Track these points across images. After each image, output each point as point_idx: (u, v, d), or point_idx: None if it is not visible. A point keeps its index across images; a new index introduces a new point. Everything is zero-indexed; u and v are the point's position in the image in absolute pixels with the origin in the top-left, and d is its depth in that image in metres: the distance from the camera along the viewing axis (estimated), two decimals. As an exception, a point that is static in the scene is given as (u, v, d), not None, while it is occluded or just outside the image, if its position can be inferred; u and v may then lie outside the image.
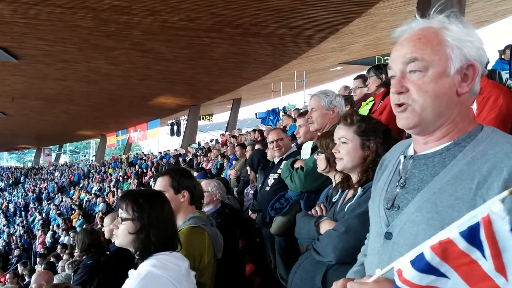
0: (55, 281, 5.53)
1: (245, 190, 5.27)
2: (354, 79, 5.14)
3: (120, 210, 1.85)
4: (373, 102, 3.95)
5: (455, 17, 1.12)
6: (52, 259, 9.05)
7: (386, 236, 1.17)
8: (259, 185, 4.33)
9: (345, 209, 1.93)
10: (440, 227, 0.90)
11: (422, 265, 0.90)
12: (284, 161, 3.59)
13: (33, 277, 5.17)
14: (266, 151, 5.41)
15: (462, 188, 1.04)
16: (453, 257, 0.87)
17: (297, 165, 3.18)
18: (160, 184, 2.45)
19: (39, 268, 8.85)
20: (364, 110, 4.03)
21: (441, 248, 0.88)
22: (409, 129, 1.16)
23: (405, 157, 1.23)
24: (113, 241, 3.93)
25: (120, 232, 1.83)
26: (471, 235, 0.84)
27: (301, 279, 1.96)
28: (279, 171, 3.63)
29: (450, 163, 1.09)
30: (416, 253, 0.91)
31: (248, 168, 5.20)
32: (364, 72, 4.69)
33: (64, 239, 13.57)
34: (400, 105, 1.14)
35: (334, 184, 2.34)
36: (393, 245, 1.15)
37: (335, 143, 2.03)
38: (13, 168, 44.24)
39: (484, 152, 1.05)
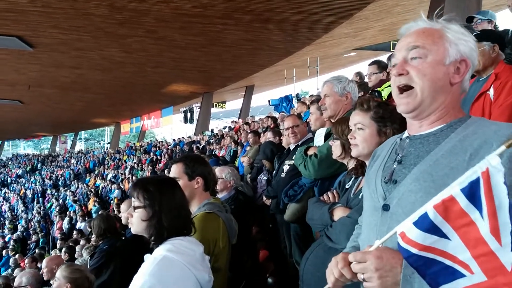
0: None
1: (258, 177, 5.28)
2: (369, 65, 5.07)
3: (132, 199, 1.89)
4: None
5: (456, 21, 1.27)
6: (71, 244, 9.23)
7: (384, 208, 1.23)
8: (275, 172, 4.34)
9: (360, 196, 1.92)
10: (437, 194, 0.95)
11: (425, 224, 0.94)
12: (299, 148, 3.58)
13: (44, 261, 5.27)
14: (275, 141, 5.41)
15: (456, 160, 1.13)
16: (454, 216, 0.91)
17: (310, 152, 3.16)
18: (174, 170, 2.47)
19: (57, 252, 9.04)
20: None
21: (444, 206, 0.92)
22: (408, 113, 1.27)
23: (401, 139, 1.34)
24: (129, 227, 4.00)
25: (134, 220, 1.87)
26: (472, 190, 0.89)
27: (313, 265, 1.97)
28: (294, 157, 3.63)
29: (444, 141, 1.20)
30: (420, 214, 0.95)
31: (263, 161, 5.20)
32: (379, 58, 4.65)
33: (80, 225, 13.83)
34: (401, 88, 1.25)
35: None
36: (391, 216, 1.21)
37: (351, 129, 1.99)
38: (31, 156, 44.96)
39: (474, 131, 1.16)
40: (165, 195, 1.85)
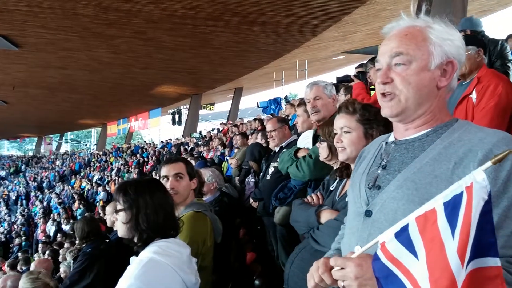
0: (61, 269, 5.58)
1: (246, 179, 5.28)
2: (356, 67, 5.13)
3: (116, 203, 1.87)
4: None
5: (439, 17, 1.23)
6: (55, 247, 9.10)
7: (366, 214, 1.23)
8: (261, 174, 4.34)
9: (346, 199, 1.92)
10: (420, 203, 0.94)
11: (403, 236, 0.92)
12: (284, 150, 3.58)
13: (32, 264, 5.21)
14: (263, 143, 5.43)
15: (440, 168, 1.12)
16: (429, 232, 0.89)
17: (302, 153, 3.16)
18: (176, 168, 2.49)
19: (40, 256, 8.91)
20: None
21: (424, 219, 0.90)
22: (392, 117, 1.26)
23: (386, 143, 1.33)
24: (114, 229, 3.96)
25: (118, 223, 1.87)
26: (454, 205, 0.87)
27: (299, 268, 1.95)
28: (279, 159, 3.63)
29: (429, 147, 1.18)
30: (401, 225, 0.93)
31: (250, 162, 5.20)
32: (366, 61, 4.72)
33: (65, 227, 13.64)
34: (385, 94, 1.23)
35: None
36: (373, 222, 1.20)
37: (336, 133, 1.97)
38: (14, 157, 44.31)
39: (460, 138, 1.15)
40: (142, 196, 1.82)
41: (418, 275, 0.90)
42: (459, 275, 0.84)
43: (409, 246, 0.91)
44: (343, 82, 4.76)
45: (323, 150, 2.43)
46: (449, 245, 0.86)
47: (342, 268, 1.05)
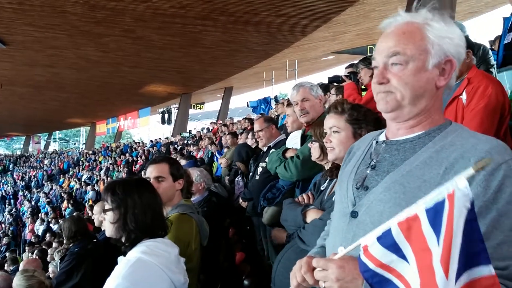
0: (50, 269, 5.53)
1: (236, 179, 5.27)
2: (346, 68, 5.14)
3: (104, 202, 1.86)
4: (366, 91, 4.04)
5: (439, 13, 1.18)
6: (44, 247, 9.01)
7: (352, 215, 1.21)
8: (250, 174, 4.34)
9: (333, 199, 1.92)
10: (406, 206, 0.92)
11: (388, 240, 0.91)
12: (273, 150, 3.59)
13: (21, 264, 5.16)
14: (253, 143, 5.44)
15: (430, 172, 1.10)
16: (415, 237, 0.88)
17: (290, 154, 3.17)
18: (159, 170, 2.43)
19: (28, 256, 8.81)
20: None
21: (408, 225, 0.88)
22: (388, 112, 1.22)
23: (377, 142, 1.30)
24: (102, 229, 3.93)
25: (105, 223, 1.85)
26: (436, 212, 0.85)
27: (285, 268, 1.94)
28: (267, 159, 3.64)
29: (420, 149, 1.16)
30: (384, 229, 0.92)
31: (238, 163, 5.19)
32: (356, 61, 4.74)
33: (54, 227, 13.51)
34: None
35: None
36: (358, 224, 1.19)
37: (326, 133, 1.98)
38: (2, 156, 43.71)
39: (452, 143, 1.12)
40: (130, 196, 1.81)
41: (411, 279, 0.89)
42: (444, 285, 0.82)
43: (397, 250, 0.90)
44: (334, 82, 4.77)
45: (315, 150, 2.44)
46: (436, 252, 0.85)
47: (324, 269, 1.05)
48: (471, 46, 3.17)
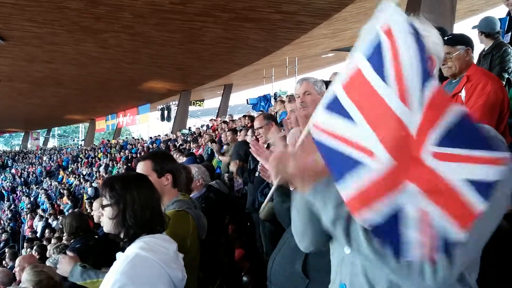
0: (47, 264, 5.51)
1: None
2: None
3: (102, 198, 1.85)
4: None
5: (414, 15, 1.21)
6: (44, 243, 9.00)
7: None
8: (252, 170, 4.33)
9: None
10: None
11: (335, 105, 0.90)
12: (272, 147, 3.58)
13: (17, 260, 5.14)
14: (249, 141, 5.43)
15: None
16: (356, 90, 0.86)
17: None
18: (142, 168, 2.38)
19: (27, 252, 8.80)
20: None
21: (351, 82, 0.88)
22: None
23: None
24: (102, 226, 3.92)
25: (103, 219, 1.84)
26: (376, 54, 0.84)
27: (280, 265, 1.93)
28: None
29: None
30: (329, 97, 0.92)
31: (231, 163, 5.18)
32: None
33: (52, 223, 13.50)
34: None
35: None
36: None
37: None
38: (1, 152, 43.67)
39: None
40: (129, 192, 1.80)
41: (359, 137, 0.86)
42: (408, 118, 0.81)
43: (340, 109, 0.89)
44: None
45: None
46: (385, 92, 0.83)
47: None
48: (471, 42, 3.17)
